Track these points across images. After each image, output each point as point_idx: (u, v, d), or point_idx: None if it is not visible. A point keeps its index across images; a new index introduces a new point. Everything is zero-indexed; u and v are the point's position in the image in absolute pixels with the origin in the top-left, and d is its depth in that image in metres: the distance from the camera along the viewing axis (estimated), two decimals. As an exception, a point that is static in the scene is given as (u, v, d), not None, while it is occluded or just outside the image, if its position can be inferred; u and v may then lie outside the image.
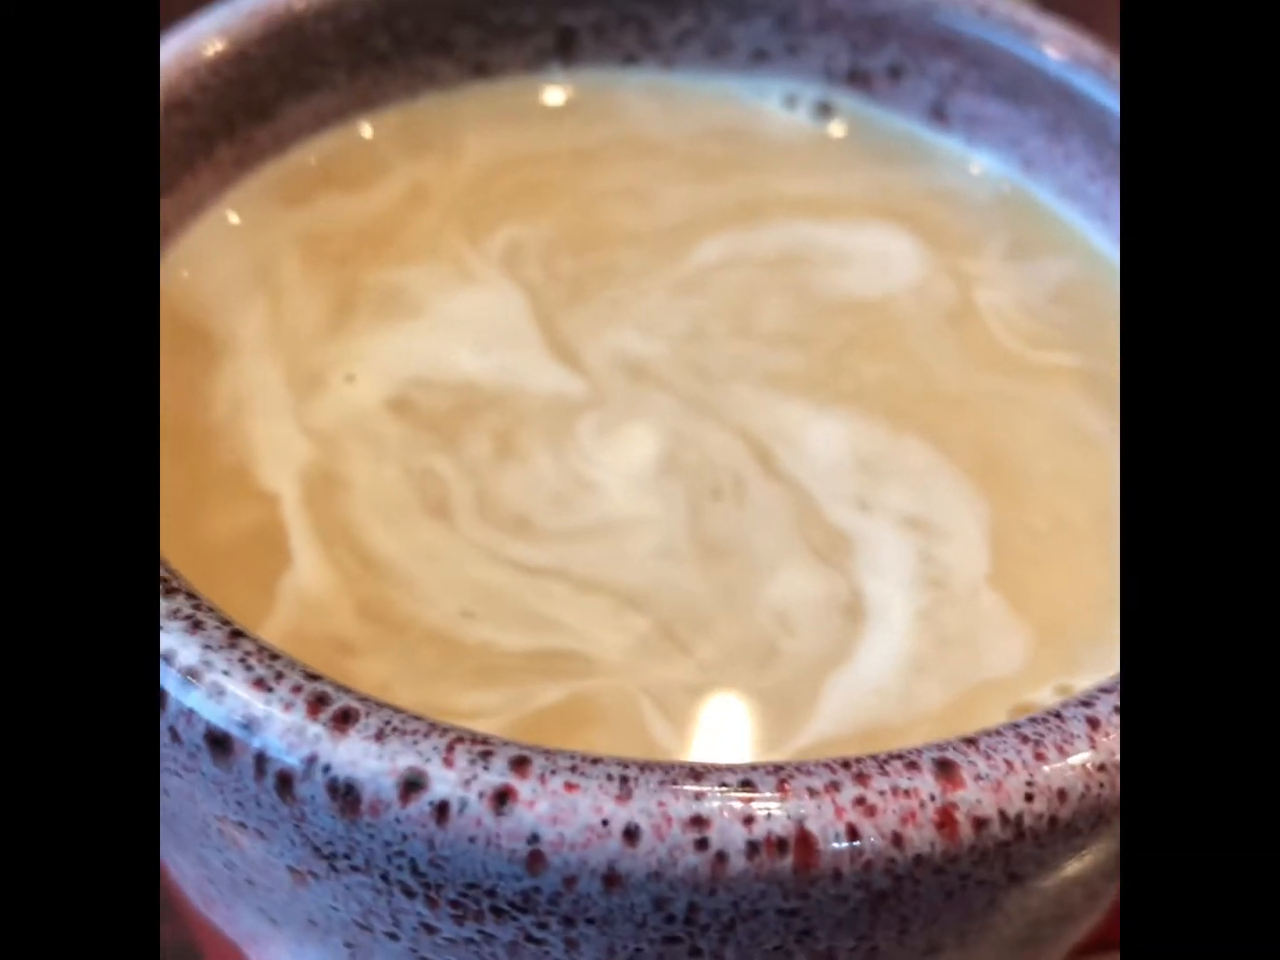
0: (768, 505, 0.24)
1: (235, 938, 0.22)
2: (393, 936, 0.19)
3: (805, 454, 0.25)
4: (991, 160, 0.29)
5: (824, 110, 0.31)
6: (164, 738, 0.18)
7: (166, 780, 0.19)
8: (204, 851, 0.20)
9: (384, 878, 0.17)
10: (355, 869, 0.17)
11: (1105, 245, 0.28)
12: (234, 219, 0.27)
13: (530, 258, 0.27)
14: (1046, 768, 0.17)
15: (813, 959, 0.18)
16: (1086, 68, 0.27)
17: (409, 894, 0.17)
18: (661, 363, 0.26)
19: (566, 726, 0.21)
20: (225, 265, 0.26)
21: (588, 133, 0.30)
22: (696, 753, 0.21)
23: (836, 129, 0.30)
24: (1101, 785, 0.17)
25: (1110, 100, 0.27)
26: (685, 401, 0.25)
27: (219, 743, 0.17)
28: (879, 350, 0.27)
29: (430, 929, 0.18)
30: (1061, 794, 0.17)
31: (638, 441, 0.24)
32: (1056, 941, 0.22)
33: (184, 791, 0.18)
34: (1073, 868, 0.18)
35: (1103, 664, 0.22)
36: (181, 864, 0.21)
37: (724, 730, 0.21)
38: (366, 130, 0.29)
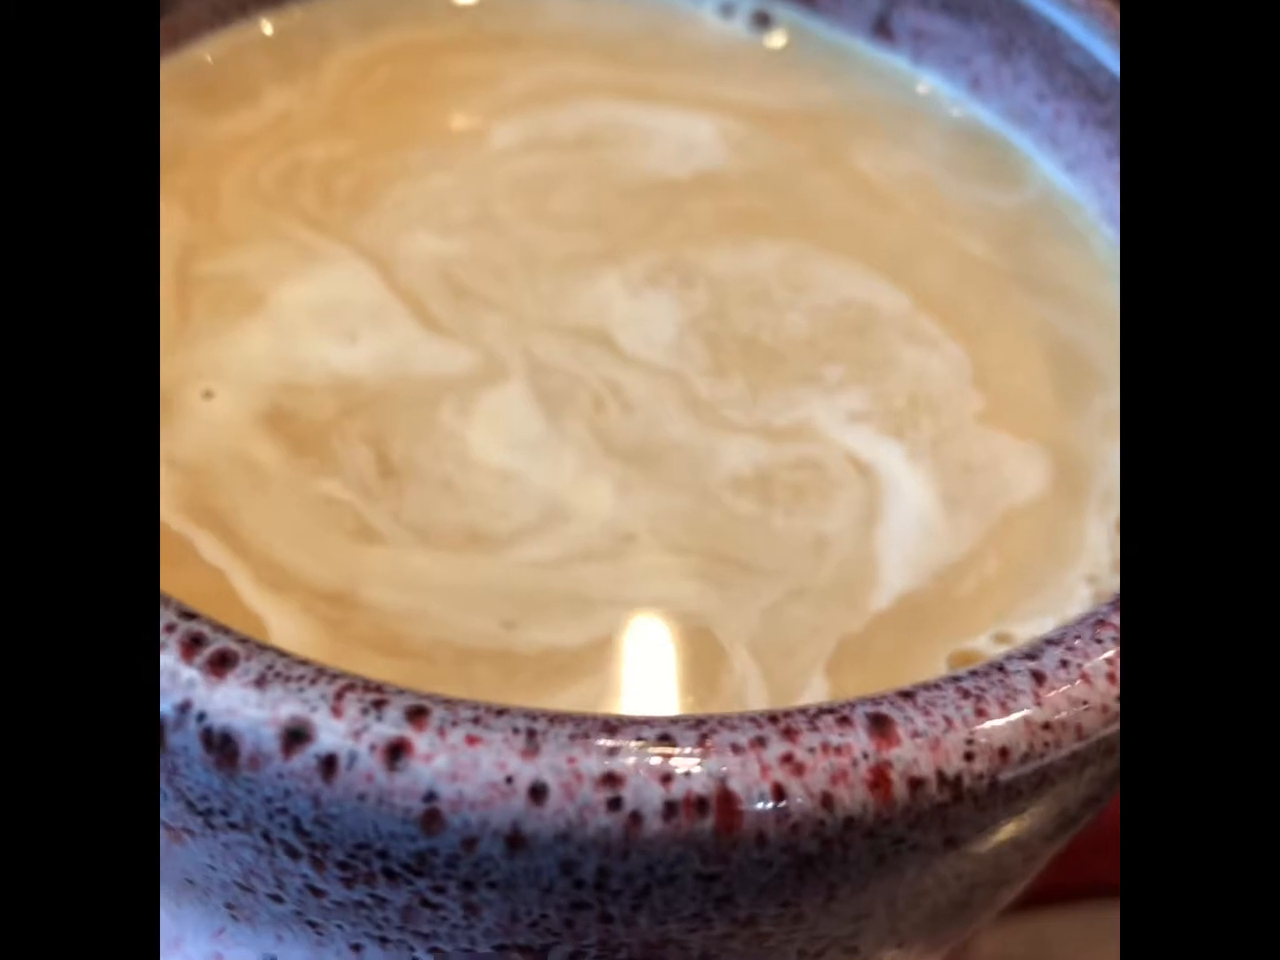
0: (652, 397, 0.23)
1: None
2: (277, 899, 0.17)
3: (646, 335, 0.24)
4: (938, 79, 0.28)
5: (762, 20, 0.29)
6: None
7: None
8: (71, 802, 0.18)
9: (265, 837, 0.16)
10: (234, 826, 0.16)
11: (1053, 171, 0.27)
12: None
13: (309, 179, 0.25)
14: (988, 724, 0.16)
15: (733, 926, 0.17)
16: (1039, -18, 0.26)
17: (293, 855, 0.16)
18: (463, 268, 0.24)
19: (678, 690, 0.20)
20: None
21: (494, 27, 0.28)
22: (794, 666, 0.20)
23: (774, 40, 0.29)
24: (1046, 745, 0.16)
25: (1063, 19, 0.26)
26: (512, 319, 0.24)
27: (82, 686, 0.15)
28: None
29: (317, 892, 0.16)
30: (1003, 753, 0.16)
31: (506, 405, 0.22)
32: (989, 905, 0.21)
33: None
34: (1011, 831, 0.17)
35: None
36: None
37: (811, 631, 0.20)
38: (284, 23, 0.27)
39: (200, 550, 0.20)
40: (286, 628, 0.19)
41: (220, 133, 0.25)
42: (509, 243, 0.25)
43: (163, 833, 0.17)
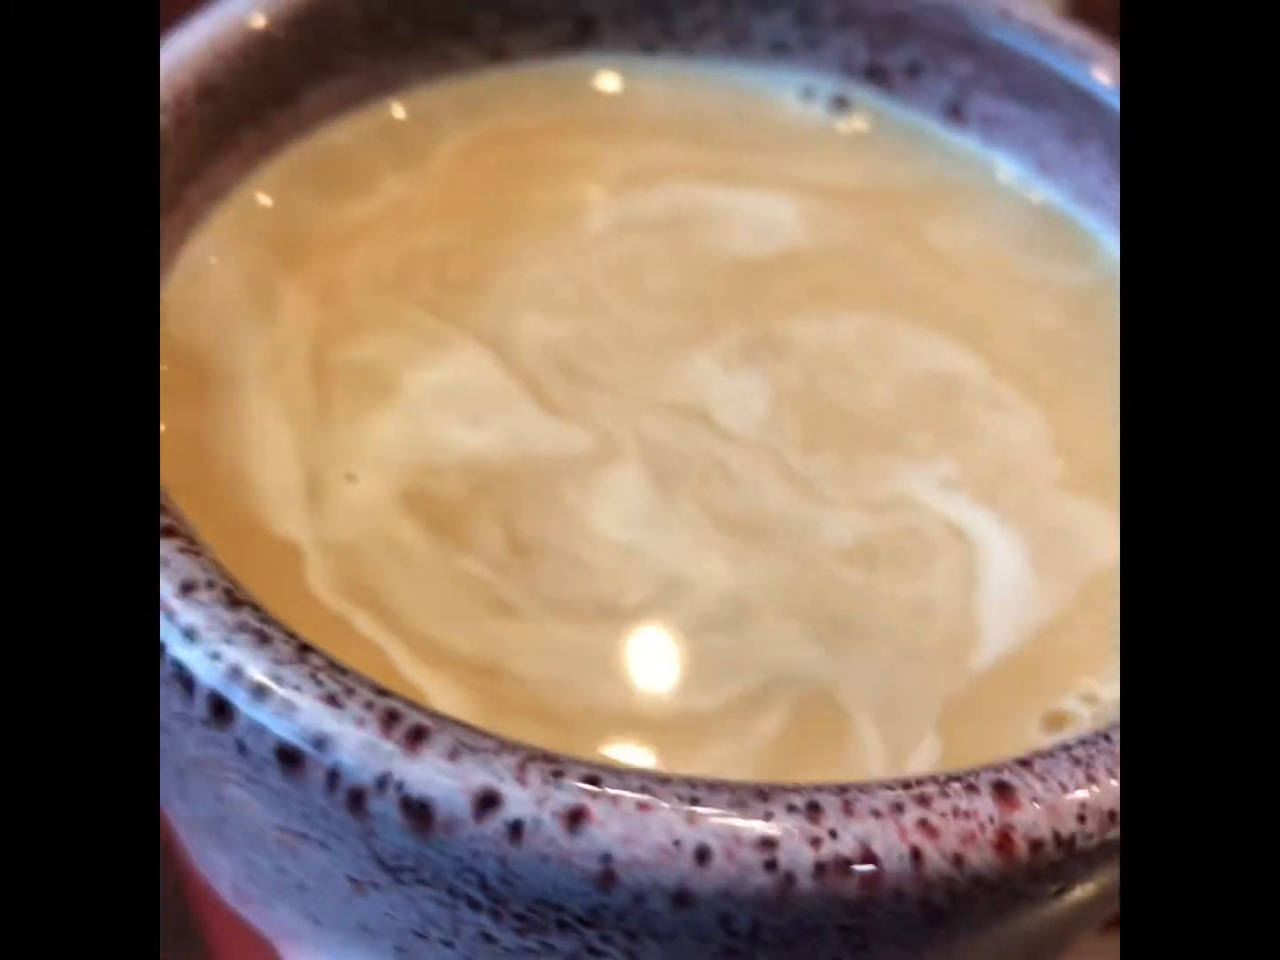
0: (752, 471, 0.24)
1: (268, 932, 0.22)
2: (448, 944, 0.19)
3: (741, 410, 0.25)
4: (1008, 161, 0.30)
5: (840, 104, 0.31)
6: (230, 750, 0.18)
7: (221, 788, 0.19)
8: (253, 855, 0.20)
9: (450, 891, 0.18)
10: (421, 882, 0.18)
11: (1119, 250, 0.28)
12: (265, 200, 0.27)
13: (425, 266, 0.27)
14: (1098, 790, 0.18)
15: (864, 970, 0.18)
16: (1106, 75, 0.28)
17: (475, 907, 0.18)
18: (572, 350, 0.26)
19: (805, 749, 0.21)
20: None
21: (594, 112, 0.30)
22: (908, 725, 0.21)
23: (852, 122, 0.31)
24: (1149, 806, 0.18)
25: (1131, 108, 0.27)
26: (620, 398, 0.25)
27: (290, 758, 0.17)
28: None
29: (490, 939, 0.18)
30: (1112, 815, 0.18)
31: (622, 482, 0.24)
32: (1075, 942, 0.23)
33: (241, 800, 0.19)
34: (1107, 880, 0.19)
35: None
36: (220, 863, 0.21)
37: (921, 692, 0.22)
38: (399, 111, 0.29)
39: (358, 627, 0.21)
40: (443, 699, 0.21)
41: (343, 220, 0.27)
42: (612, 324, 0.26)
43: (348, 885, 0.19)
